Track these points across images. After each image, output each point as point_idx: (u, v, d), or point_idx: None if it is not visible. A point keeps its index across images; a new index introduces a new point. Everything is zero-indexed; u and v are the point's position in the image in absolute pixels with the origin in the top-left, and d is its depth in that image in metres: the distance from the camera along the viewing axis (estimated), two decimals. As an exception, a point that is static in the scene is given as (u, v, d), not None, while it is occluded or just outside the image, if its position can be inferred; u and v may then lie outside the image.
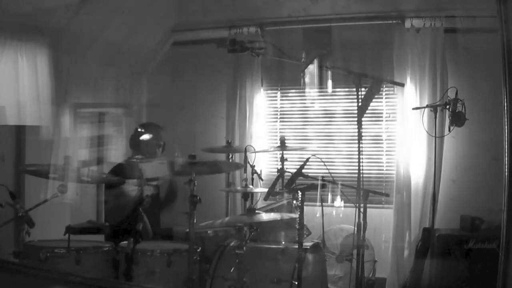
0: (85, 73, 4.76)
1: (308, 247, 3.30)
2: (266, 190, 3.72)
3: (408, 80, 4.85)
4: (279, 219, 3.37)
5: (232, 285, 3.04)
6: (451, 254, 4.25)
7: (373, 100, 3.33)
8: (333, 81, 4.51)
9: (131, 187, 3.84)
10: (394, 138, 5.07)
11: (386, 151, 5.18)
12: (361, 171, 3.19)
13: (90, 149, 4.60)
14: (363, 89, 3.23)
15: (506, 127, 2.36)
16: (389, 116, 5.13)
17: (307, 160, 3.60)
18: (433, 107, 4.46)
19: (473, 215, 4.43)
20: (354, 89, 3.23)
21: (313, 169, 4.06)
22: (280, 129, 5.52)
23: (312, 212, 3.71)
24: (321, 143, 5.37)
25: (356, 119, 3.22)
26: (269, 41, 4.59)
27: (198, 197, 3.01)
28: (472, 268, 4.18)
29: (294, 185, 3.36)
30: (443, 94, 4.58)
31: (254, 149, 4.35)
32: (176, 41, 5.64)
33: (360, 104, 3.20)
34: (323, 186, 3.29)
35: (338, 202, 4.15)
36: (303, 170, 3.56)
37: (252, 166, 4.11)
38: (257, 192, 3.90)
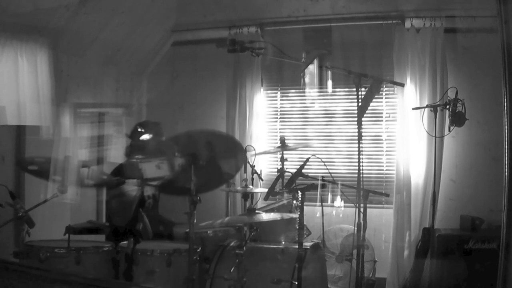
0: (85, 73, 4.76)
1: (308, 247, 3.30)
2: (266, 190, 3.72)
3: (408, 80, 4.85)
4: (279, 219, 3.37)
5: (232, 285, 3.04)
6: (451, 254, 4.25)
7: (373, 100, 3.33)
8: (333, 81, 4.51)
9: (131, 187, 3.83)
10: (394, 138, 5.07)
11: (386, 151, 5.18)
12: (361, 171, 3.19)
13: (90, 149, 4.60)
14: (363, 89, 3.22)
15: (506, 127, 2.36)
16: (389, 116, 5.13)
17: (307, 160, 3.60)
18: (433, 107, 4.46)
19: (473, 215, 4.44)
20: (354, 89, 3.23)
21: (313, 169, 4.06)
22: (280, 129, 5.52)
23: (312, 212, 3.71)
24: (321, 143, 5.37)
25: (356, 119, 3.22)
26: (269, 41, 4.59)
27: (198, 197, 3.00)
28: (472, 268, 4.17)
29: (294, 185, 3.36)
30: (443, 94, 4.58)
31: (254, 149, 4.35)
32: (176, 41, 5.64)
33: (360, 104, 3.20)
34: (323, 186, 3.29)
35: (338, 202, 4.16)
36: (303, 170, 3.56)
37: (252, 166, 4.11)
38: (257, 192, 3.90)
